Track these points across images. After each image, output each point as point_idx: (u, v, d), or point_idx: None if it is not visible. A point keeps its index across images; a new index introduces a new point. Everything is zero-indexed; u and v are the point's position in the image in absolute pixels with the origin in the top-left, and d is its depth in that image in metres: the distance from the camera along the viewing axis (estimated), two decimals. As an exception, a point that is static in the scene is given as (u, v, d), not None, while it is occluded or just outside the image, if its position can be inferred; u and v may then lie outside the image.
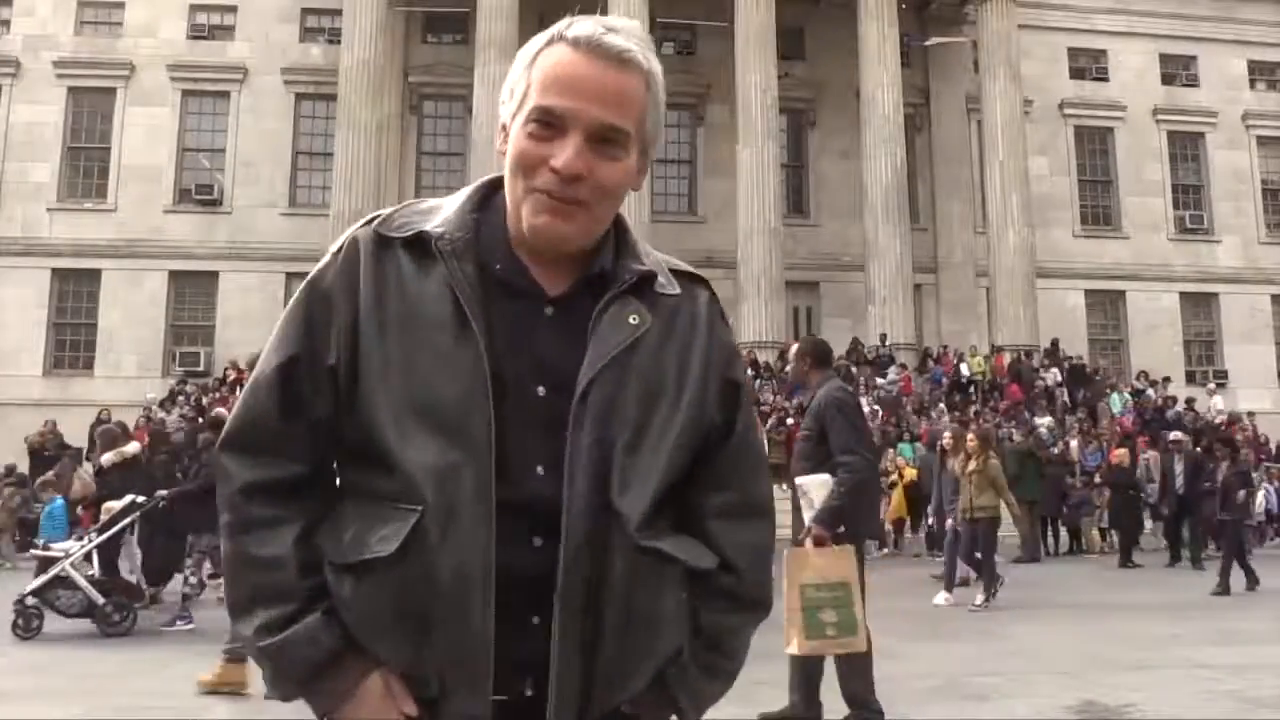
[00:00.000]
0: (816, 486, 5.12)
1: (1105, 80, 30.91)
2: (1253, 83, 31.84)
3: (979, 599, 10.70)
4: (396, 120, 26.89)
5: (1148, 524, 18.20)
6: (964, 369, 24.08)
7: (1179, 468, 16.27)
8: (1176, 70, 31.47)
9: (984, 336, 26.87)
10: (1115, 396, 24.36)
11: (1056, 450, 19.66)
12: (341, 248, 1.30)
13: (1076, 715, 5.76)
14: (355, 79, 24.78)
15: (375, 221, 1.31)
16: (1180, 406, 24.41)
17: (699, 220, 27.90)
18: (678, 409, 1.29)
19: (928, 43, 27.77)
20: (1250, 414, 25.46)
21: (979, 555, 11.03)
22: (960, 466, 11.24)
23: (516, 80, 1.29)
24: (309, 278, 1.34)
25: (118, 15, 27.51)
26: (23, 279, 25.61)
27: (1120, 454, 17.57)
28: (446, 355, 1.21)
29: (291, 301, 1.33)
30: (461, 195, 1.35)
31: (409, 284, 1.24)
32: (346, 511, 1.27)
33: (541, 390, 1.23)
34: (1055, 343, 25.75)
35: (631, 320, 1.27)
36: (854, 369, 23.19)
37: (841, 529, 5.04)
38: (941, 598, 10.97)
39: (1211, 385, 27.21)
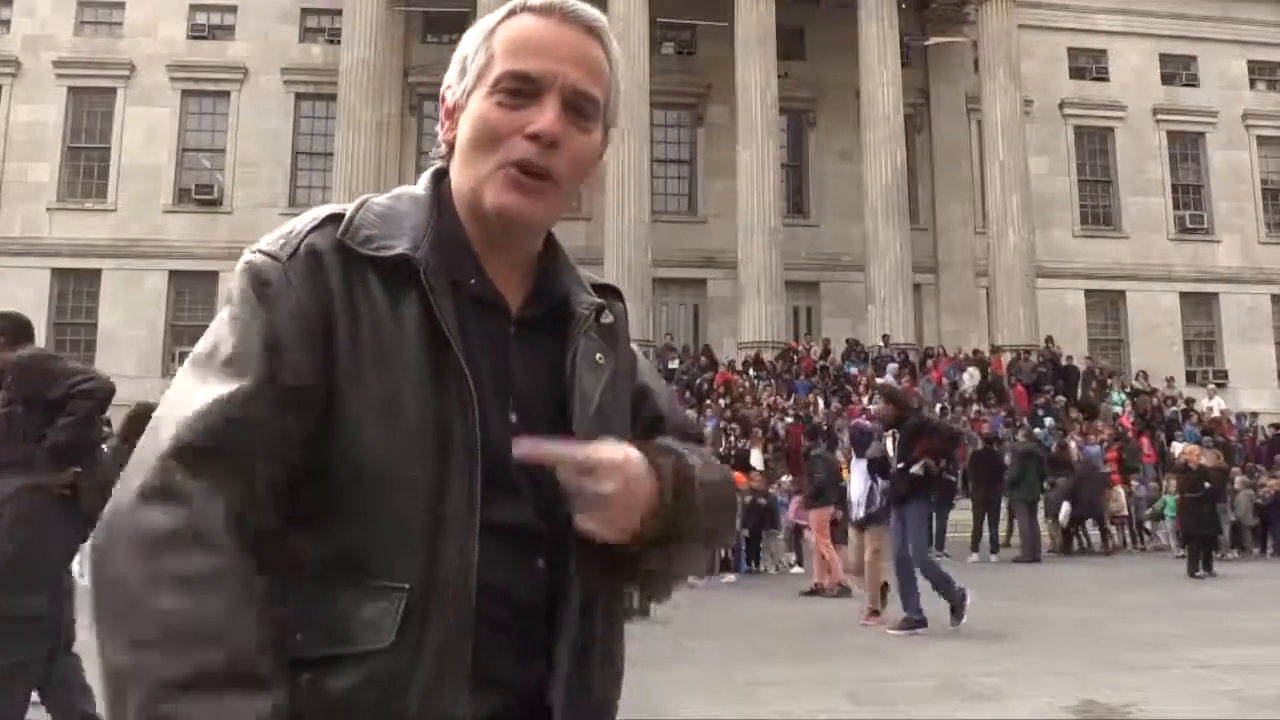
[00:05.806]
0: None
1: (1105, 80, 30.87)
2: (1253, 83, 31.80)
3: None
4: (396, 120, 26.87)
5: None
6: (963, 378, 23.72)
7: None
8: (1176, 70, 31.44)
9: (984, 337, 26.84)
10: (1116, 395, 24.33)
11: (1054, 450, 19.61)
12: (296, 253, 1.10)
13: (1076, 715, 5.76)
14: (355, 79, 24.79)
15: (337, 229, 1.12)
16: (1180, 407, 24.37)
17: (699, 220, 27.88)
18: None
19: (928, 42, 27.76)
20: (1254, 414, 25.46)
21: None
22: None
23: (472, 53, 1.17)
24: (251, 275, 1.10)
25: (118, 15, 27.51)
26: (23, 279, 25.58)
27: (1191, 451, 16.58)
28: (430, 396, 1.08)
29: (240, 308, 1.09)
30: (419, 194, 1.20)
31: (383, 314, 1.09)
32: (309, 589, 1.06)
33: (514, 418, 1.14)
34: (1049, 340, 25.57)
35: (598, 359, 1.22)
36: (854, 369, 23.21)
37: None
38: None
39: (1211, 386, 27.18)
